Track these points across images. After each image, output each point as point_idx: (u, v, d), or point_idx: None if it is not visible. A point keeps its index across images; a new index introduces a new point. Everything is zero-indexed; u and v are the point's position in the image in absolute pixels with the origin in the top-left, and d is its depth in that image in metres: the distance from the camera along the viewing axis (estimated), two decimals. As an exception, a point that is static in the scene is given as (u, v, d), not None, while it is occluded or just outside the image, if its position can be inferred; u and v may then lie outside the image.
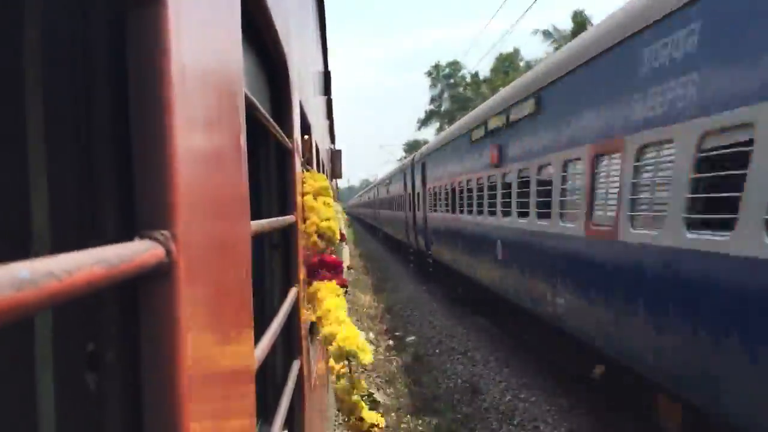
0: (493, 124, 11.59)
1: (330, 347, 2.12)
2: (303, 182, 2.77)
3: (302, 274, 2.49)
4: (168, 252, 0.63)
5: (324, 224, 2.60)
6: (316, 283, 2.51)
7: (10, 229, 0.72)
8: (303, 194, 2.68)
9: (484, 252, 12.38)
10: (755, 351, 4.31)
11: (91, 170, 0.69)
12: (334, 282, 2.50)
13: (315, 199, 2.70)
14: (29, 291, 0.35)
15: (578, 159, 7.42)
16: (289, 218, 2.24)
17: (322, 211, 2.65)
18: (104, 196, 0.69)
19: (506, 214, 10.85)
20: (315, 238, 2.61)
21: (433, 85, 71.03)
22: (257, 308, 1.40)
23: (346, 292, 2.58)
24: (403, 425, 8.50)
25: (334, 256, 2.62)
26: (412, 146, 70.58)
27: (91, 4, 0.69)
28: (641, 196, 5.97)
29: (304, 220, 2.63)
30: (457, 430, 8.30)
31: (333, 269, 2.56)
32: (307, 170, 3.11)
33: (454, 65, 68.95)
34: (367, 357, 2.07)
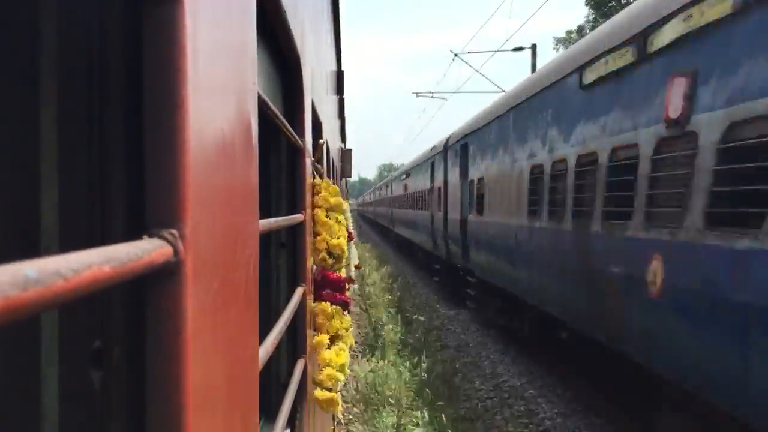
0: (678, 24, 5.06)
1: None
2: (318, 192, 2.77)
3: (309, 273, 2.49)
4: (176, 251, 0.63)
5: (334, 242, 2.63)
6: (318, 305, 2.56)
7: (21, 224, 0.72)
8: (315, 206, 2.70)
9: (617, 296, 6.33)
10: None
11: (102, 168, 0.70)
12: (331, 307, 2.55)
13: (327, 215, 2.71)
14: (35, 291, 0.35)
15: None
16: (297, 217, 2.24)
17: (334, 228, 2.68)
18: (114, 194, 0.69)
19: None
20: (324, 254, 2.64)
21: None
22: (263, 306, 1.40)
23: (348, 311, 2.65)
24: None
25: (338, 274, 2.65)
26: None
27: (108, 3, 0.70)
28: None
29: (315, 234, 2.65)
30: None
31: (336, 287, 2.59)
32: (317, 169, 3.11)
33: None
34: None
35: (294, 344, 2.35)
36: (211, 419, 0.76)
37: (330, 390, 2.42)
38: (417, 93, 31.10)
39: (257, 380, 1.15)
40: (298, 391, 2.04)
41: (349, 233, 3.91)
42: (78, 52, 0.71)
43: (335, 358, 2.41)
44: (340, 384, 2.43)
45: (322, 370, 2.42)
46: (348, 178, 18.17)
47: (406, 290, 20.53)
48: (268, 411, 2.01)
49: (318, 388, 2.38)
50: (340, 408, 2.54)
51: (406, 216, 28.96)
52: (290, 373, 2.19)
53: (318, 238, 2.65)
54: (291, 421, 2.06)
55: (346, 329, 2.59)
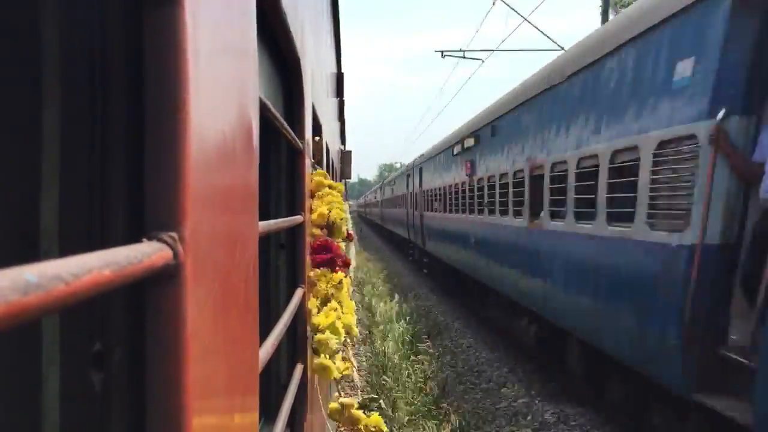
0: None
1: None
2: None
3: (308, 274, 2.49)
4: (175, 254, 0.63)
5: (313, 216, 2.64)
6: (314, 272, 2.54)
7: (20, 227, 0.72)
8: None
9: None
10: None
11: (103, 170, 0.70)
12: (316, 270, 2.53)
13: (312, 197, 2.74)
14: (36, 295, 0.35)
15: None
16: (296, 218, 2.24)
17: (315, 204, 2.71)
18: (114, 196, 0.69)
19: None
20: (312, 230, 2.66)
21: None
22: (263, 308, 1.41)
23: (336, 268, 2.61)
24: None
25: (324, 239, 2.65)
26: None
27: (108, 5, 0.70)
28: None
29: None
30: None
31: (320, 250, 2.58)
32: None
33: None
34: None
35: (294, 345, 2.35)
36: (212, 421, 0.76)
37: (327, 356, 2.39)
38: (443, 52, 20.64)
39: (257, 381, 1.15)
40: (298, 392, 2.04)
41: (349, 234, 3.91)
42: (79, 53, 0.71)
43: (323, 320, 2.36)
44: (336, 345, 2.37)
45: (313, 335, 2.39)
46: (348, 179, 17.62)
47: (453, 355, 10.76)
48: (268, 412, 2.01)
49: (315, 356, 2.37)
50: (349, 372, 2.47)
51: (473, 229, 12.99)
52: (290, 375, 2.19)
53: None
54: (291, 422, 2.06)
55: (335, 286, 2.54)
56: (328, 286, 2.51)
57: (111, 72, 0.71)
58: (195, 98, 0.67)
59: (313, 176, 2.83)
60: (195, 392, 0.66)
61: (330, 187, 2.83)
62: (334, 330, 2.34)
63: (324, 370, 2.32)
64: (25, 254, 0.72)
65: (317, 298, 2.48)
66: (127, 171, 0.69)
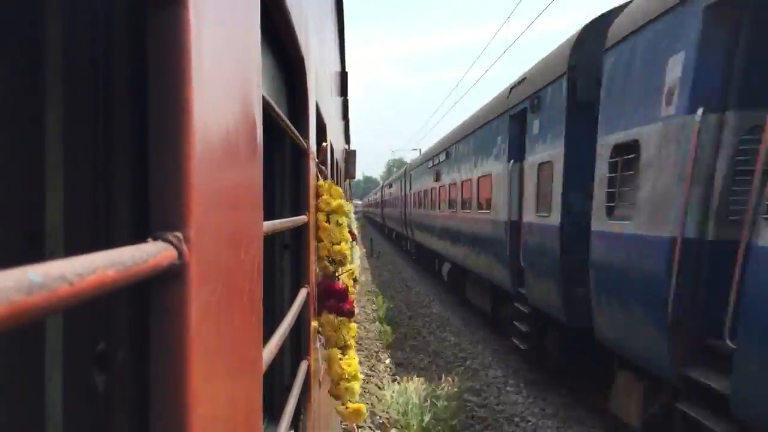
0: None
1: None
2: (320, 195, 2.73)
3: (313, 274, 2.49)
4: (180, 254, 0.63)
5: (335, 248, 2.63)
6: (324, 317, 2.58)
7: (25, 227, 0.72)
8: (317, 209, 2.67)
9: None
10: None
11: (107, 170, 0.70)
12: (336, 318, 2.58)
13: (328, 219, 2.65)
14: (41, 295, 0.35)
15: None
16: (301, 218, 2.24)
17: (334, 233, 2.65)
18: (119, 196, 0.69)
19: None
20: (326, 262, 2.64)
21: None
22: (267, 308, 1.40)
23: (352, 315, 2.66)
24: None
25: (341, 284, 2.66)
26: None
27: (112, 5, 0.70)
28: None
29: (319, 239, 2.64)
30: None
31: (340, 297, 2.62)
32: (321, 171, 3.11)
33: None
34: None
35: (298, 345, 2.35)
36: (215, 421, 0.76)
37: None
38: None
39: (261, 382, 1.15)
40: (301, 392, 2.04)
41: (352, 233, 3.91)
42: (83, 54, 0.71)
43: (347, 369, 2.45)
44: (357, 394, 2.49)
45: (338, 384, 2.46)
46: (352, 179, 17.76)
47: None
48: (272, 412, 2.01)
49: (340, 403, 2.45)
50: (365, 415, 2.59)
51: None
52: (294, 375, 2.19)
53: (320, 244, 2.64)
54: (295, 423, 2.06)
55: (353, 337, 2.62)
56: (348, 335, 2.57)
57: (115, 72, 0.71)
58: (199, 98, 0.67)
59: (335, 196, 2.75)
60: (198, 392, 0.66)
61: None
62: (356, 377, 2.46)
63: (357, 414, 2.41)
64: (30, 255, 0.72)
65: (337, 344, 2.56)
66: (131, 171, 0.69)
